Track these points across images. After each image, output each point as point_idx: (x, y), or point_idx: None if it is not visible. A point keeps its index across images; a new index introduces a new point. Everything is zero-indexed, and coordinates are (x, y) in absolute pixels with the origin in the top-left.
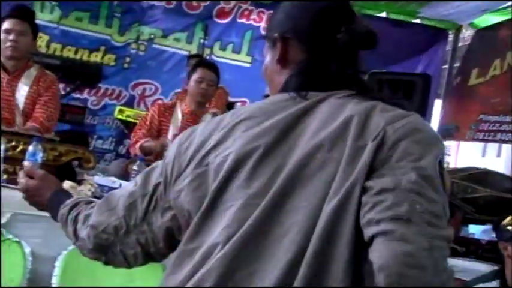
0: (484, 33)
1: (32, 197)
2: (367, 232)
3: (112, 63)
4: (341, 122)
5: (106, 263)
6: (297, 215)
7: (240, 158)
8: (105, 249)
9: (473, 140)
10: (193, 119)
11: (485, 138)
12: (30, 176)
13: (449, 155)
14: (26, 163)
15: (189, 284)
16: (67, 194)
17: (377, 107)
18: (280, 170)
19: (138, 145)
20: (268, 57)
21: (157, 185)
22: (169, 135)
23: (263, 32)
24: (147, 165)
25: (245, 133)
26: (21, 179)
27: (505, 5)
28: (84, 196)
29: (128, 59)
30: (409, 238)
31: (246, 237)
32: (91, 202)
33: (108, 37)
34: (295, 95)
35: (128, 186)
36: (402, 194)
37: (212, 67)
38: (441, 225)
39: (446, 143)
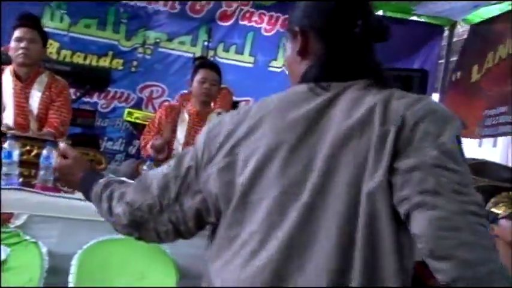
0: (478, 28)
1: (65, 175)
2: (401, 209)
3: (120, 68)
4: (366, 110)
5: (138, 238)
6: (337, 201)
7: (270, 150)
8: (139, 226)
9: (483, 137)
10: (199, 119)
11: (494, 133)
12: (64, 156)
13: None
14: (61, 145)
15: (247, 273)
16: (99, 174)
17: (394, 95)
18: (313, 160)
19: (148, 145)
20: (289, 49)
21: (188, 168)
22: (178, 136)
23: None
24: (157, 165)
25: (273, 125)
26: (56, 157)
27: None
28: None
29: (135, 63)
30: (441, 206)
31: (294, 226)
32: (123, 182)
33: (116, 42)
34: (315, 86)
35: (161, 168)
36: (427, 170)
37: (214, 67)
38: (468, 192)
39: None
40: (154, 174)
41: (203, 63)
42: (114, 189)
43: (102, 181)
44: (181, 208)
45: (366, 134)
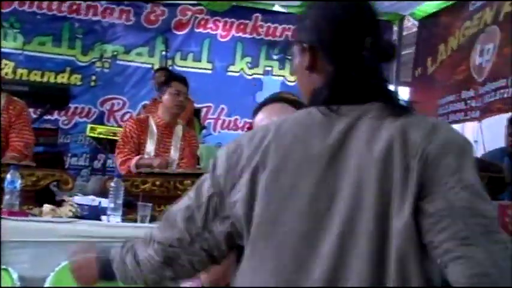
0: (427, 22)
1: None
2: (433, 255)
3: (79, 83)
4: (385, 142)
5: (172, 278)
6: (366, 237)
7: (293, 184)
8: (173, 262)
9: None
10: (168, 130)
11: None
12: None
13: None
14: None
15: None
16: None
17: (409, 122)
18: (338, 194)
19: (133, 162)
20: (298, 62)
21: (210, 197)
22: (148, 149)
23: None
24: (124, 181)
25: (295, 156)
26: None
27: None
28: (65, 217)
29: (93, 77)
30: (473, 256)
31: (326, 263)
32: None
33: (73, 58)
34: (329, 111)
35: (182, 201)
36: (457, 216)
37: (184, 80)
38: (497, 230)
39: None
40: (177, 209)
41: (175, 76)
42: (134, 241)
43: (113, 250)
44: (211, 235)
45: (388, 169)
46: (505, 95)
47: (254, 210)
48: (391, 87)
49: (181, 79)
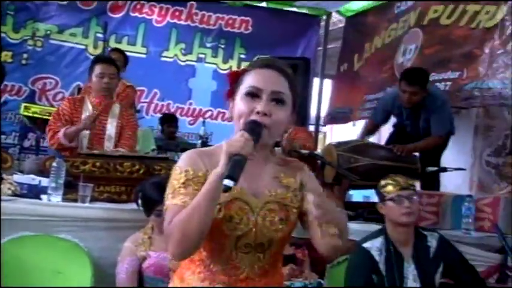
0: (354, 21)
1: None
2: None
3: (9, 60)
4: None
5: None
6: None
7: None
8: None
9: (361, 118)
10: (103, 109)
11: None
12: None
13: None
14: None
15: None
16: None
17: None
18: None
19: (61, 133)
20: None
21: None
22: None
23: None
24: (66, 161)
25: None
26: None
27: None
28: (4, 195)
29: (25, 55)
30: None
31: None
32: None
33: (3, 35)
34: None
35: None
36: None
37: (110, 61)
38: None
39: (340, 125)
40: None
41: (99, 58)
42: None
43: None
44: None
45: None
46: None
47: None
48: (316, 80)
49: (105, 60)
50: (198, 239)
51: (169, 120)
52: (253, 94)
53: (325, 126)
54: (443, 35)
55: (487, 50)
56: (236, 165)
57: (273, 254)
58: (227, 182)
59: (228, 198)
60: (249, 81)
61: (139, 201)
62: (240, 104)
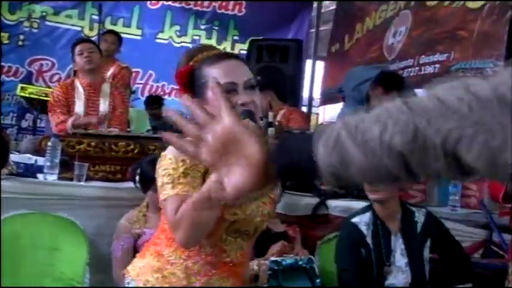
0: (345, 2)
1: None
2: None
3: (6, 41)
4: None
5: None
6: None
7: None
8: None
9: None
10: (94, 89)
11: None
12: None
13: None
14: None
15: None
16: None
17: None
18: None
19: (69, 123)
20: None
21: None
22: (77, 109)
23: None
24: (61, 141)
25: None
26: None
27: None
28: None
29: (21, 37)
30: None
31: None
32: None
33: None
34: None
35: None
36: None
37: (86, 40)
38: None
39: (331, 106)
40: None
41: (78, 39)
42: None
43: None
44: None
45: None
46: (411, 74)
47: None
48: (309, 62)
49: (81, 39)
50: (208, 226)
51: (152, 102)
52: (229, 90)
53: (319, 107)
54: (428, 16)
55: (473, 31)
56: None
57: (252, 242)
58: None
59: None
60: (219, 78)
61: (137, 178)
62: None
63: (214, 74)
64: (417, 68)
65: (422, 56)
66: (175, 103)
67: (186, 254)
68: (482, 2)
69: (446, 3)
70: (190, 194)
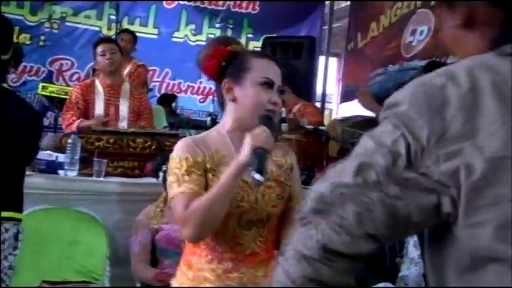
0: (359, 3)
1: None
2: None
3: (28, 42)
4: None
5: None
6: None
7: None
8: None
9: None
10: (114, 90)
11: None
12: None
13: None
14: None
15: None
16: None
17: None
18: None
19: (74, 126)
20: (449, 22)
21: None
22: (97, 110)
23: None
24: (81, 138)
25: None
26: None
27: None
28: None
29: (42, 37)
30: None
31: None
32: None
33: (21, 17)
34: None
35: None
36: None
37: (108, 40)
38: None
39: (350, 103)
40: None
41: (99, 39)
42: None
43: None
44: None
45: None
46: None
47: None
48: (322, 59)
49: (105, 40)
50: (217, 223)
51: (164, 101)
52: (268, 85)
53: (340, 104)
54: None
55: None
56: (263, 159)
57: (271, 228)
58: (258, 177)
59: None
60: (262, 71)
61: (160, 174)
62: (254, 91)
63: (259, 65)
64: None
65: (451, 57)
66: (191, 100)
67: (209, 258)
68: None
69: None
70: (197, 190)
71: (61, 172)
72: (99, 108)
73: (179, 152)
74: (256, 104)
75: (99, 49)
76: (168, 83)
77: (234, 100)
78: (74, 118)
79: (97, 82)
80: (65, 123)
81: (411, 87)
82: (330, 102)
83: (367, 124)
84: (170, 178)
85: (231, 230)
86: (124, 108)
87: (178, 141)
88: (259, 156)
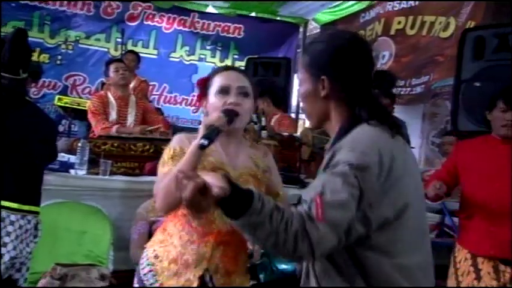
0: (327, 28)
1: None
2: None
3: (47, 61)
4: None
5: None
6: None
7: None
8: None
9: None
10: (124, 102)
11: None
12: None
13: None
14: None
15: None
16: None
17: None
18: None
19: (114, 129)
20: (308, 86)
21: None
22: (111, 118)
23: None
24: (89, 142)
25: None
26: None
27: (334, 5)
28: None
29: (59, 57)
30: None
31: None
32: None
33: (42, 40)
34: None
35: None
36: None
37: (120, 60)
38: None
39: None
40: None
41: (111, 60)
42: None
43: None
44: None
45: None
46: (402, 93)
47: None
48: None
49: (116, 59)
50: (178, 197)
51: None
52: (223, 91)
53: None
54: (412, 44)
55: (447, 55)
56: (211, 131)
57: None
58: (202, 141)
59: (214, 166)
60: (218, 82)
61: None
62: (214, 100)
63: (216, 80)
64: (409, 88)
65: (413, 79)
66: (185, 111)
67: (181, 227)
68: (451, 32)
69: (424, 33)
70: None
71: (72, 171)
72: (112, 116)
73: (172, 143)
74: (214, 109)
75: (113, 66)
76: (166, 96)
77: (206, 113)
78: (105, 122)
79: (109, 94)
80: (100, 127)
81: None
82: (303, 113)
83: None
84: (159, 162)
85: None
86: (131, 117)
87: (175, 135)
88: (209, 129)
